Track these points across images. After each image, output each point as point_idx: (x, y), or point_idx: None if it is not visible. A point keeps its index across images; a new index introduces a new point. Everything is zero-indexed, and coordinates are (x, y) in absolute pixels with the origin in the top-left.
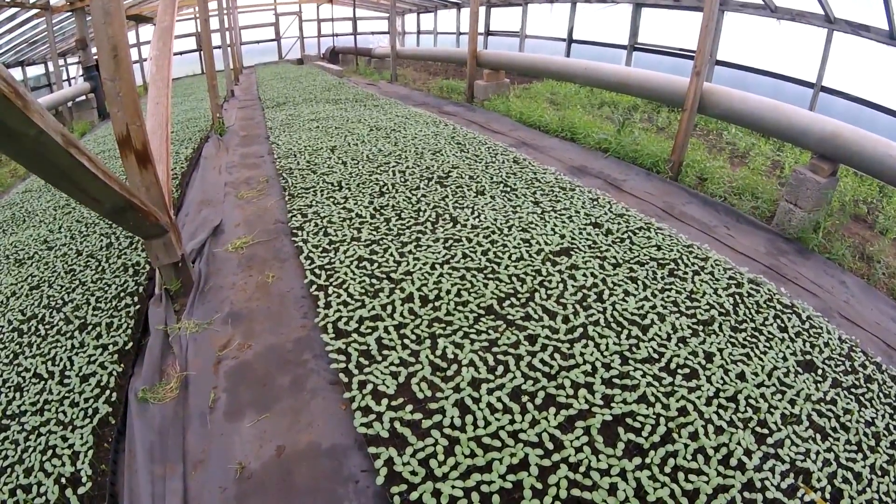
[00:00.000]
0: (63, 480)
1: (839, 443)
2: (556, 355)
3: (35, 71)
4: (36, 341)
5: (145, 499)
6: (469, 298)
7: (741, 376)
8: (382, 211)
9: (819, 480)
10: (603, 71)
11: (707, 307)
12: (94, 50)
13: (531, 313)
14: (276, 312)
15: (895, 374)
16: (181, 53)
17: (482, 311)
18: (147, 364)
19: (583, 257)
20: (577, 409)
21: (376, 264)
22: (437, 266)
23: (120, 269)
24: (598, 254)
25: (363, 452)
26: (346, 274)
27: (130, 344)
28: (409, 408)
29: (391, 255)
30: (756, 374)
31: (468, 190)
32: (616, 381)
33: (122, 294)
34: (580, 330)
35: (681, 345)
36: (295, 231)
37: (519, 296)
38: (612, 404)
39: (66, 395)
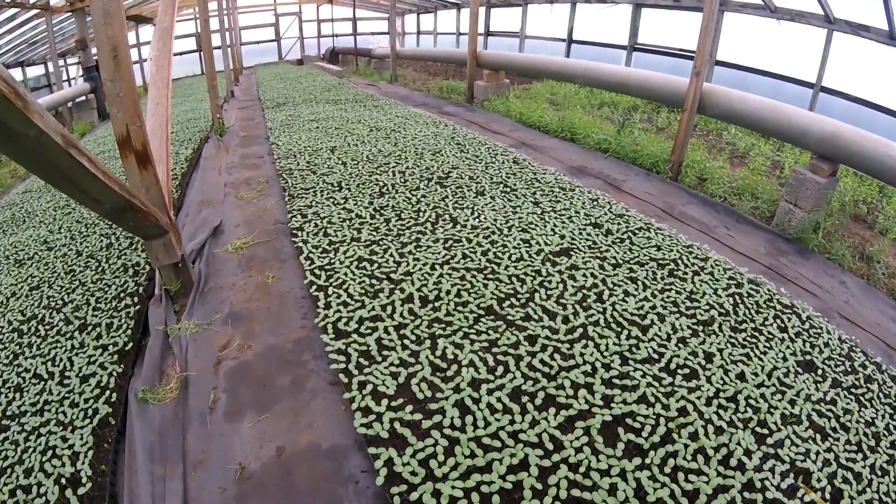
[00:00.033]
0: (63, 481)
1: (839, 443)
2: (556, 356)
3: (35, 71)
4: (36, 342)
5: (145, 499)
6: (469, 299)
7: (741, 376)
8: (382, 211)
9: (819, 480)
10: (603, 71)
11: (707, 307)
12: (94, 50)
13: (531, 314)
14: (275, 313)
15: (895, 374)
16: (181, 54)
17: (482, 312)
18: (147, 364)
19: (583, 258)
20: (577, 410)
21: (376, 265)
22: (437, 266)
23: (120, 269)
24: (597, 254)
25: (363, 453)
26: (345, 274)
27: (130, 344)
28: (409, 408)
29: (391, 255)
30: (756, 375)
31: (468, 190)
32: (616, 381)
33: (122, 294)
34: (580, 330)
35: (681, 345)
36: (295, 231)
37: (519, 296)
38: (612, 405)
39: (66, 395)
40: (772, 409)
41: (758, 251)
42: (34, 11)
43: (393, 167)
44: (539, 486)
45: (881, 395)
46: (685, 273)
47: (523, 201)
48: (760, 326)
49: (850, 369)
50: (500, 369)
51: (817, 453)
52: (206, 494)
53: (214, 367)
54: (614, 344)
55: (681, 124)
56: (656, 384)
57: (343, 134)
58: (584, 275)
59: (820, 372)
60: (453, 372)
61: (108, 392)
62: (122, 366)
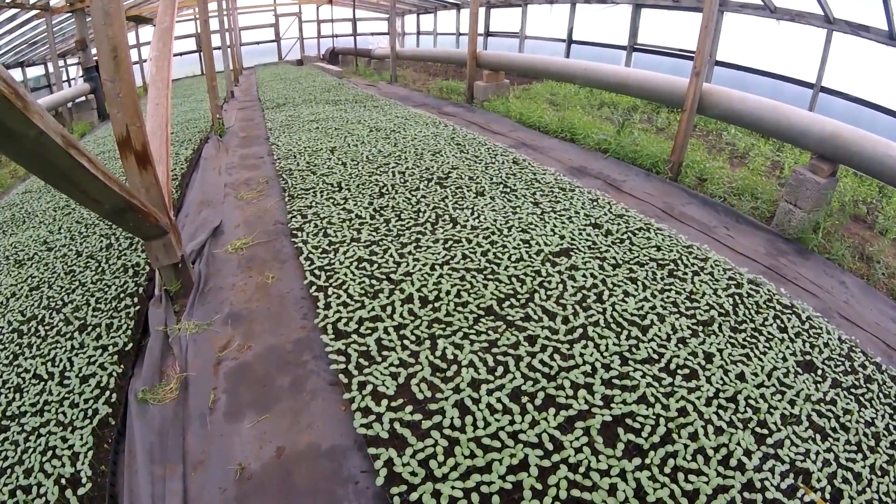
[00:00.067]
0: (63, 481)
1: (839, 443)
2: (556, 356)
3: (35, 72)
4: (36, 342)
5: (145, 499)
6: (469, 299)
7: (741, 377)
8: (382, 212)
9: (819, 481)
10: (602, 71)
11: (707, 308)
12: (93, 51)
13: (531, 314)
14: (275, 313)
15: (895, 374)
16: (181, 54)
17: (482, 312)
18: (147, 365)
19: (582, 258)
20: (577, 410)
21: (376, 265)
22: (437, 267)
23: (120, 270)
24: (597, 254)
25: (363, 453)
26: (345, 275)
27: (130, 345)
28: (409, 408)
29: (391, 255)
30: (756, 375)
31: (468, 191)
32: (616, 381)
33: (121, 295)
34: (580, 331)
35: (680, 345)
36: (295, 232)
37: (518, 296)
38: (612, 405)
39: (66, 395)
40: (772, 410)
41: (758, 251)
42: (34, 12)
43: (393, 167)
44: (539, 487)
45: (881, 395)
46: (685, 273)
47: (523, 202)
48: (760, 327)
49: (849, 369)
50: (500, 370)
51: (817, 453)
52: (205, 495)
53: (214, 368)
54: (614, 344)
55: (680, 124)
56: (656, 384)
57: (343, 134)
58: (583, 275)
59: (820, 372)
60: (453, 372)
61: (107, 392)
62: (121, 366)
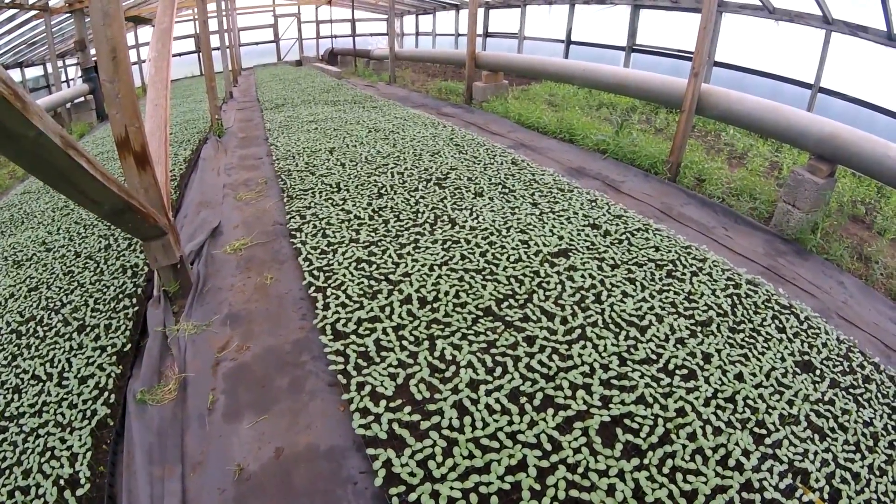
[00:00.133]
0: (62, 482)
1: (837, 443)
2: (555, 356)
3: (34, 72)
4: (34, 343)
5: (144, 500)
6: (467, 300)
7: (739, 377)
8: (381, 212)
9: (817, 481)
10: (601, 72)
11: (705, 308)
12: (92, 51)
13: (529, 314)
14: (274, 314)
15: (893, 374)
16: (180, 55)
17: (480, 313)
18: (145, 366)
19: (581, 258)
20: (576, 411)
21: (375, 266)
22: (436, 267)
23: (118, 270)
24: (596, 255)
25: (362, 454)
26: (344, 275)
27: (129, 346)
28: (408, 409)
29: (389, 256)
30: (754, 375)
31: (466, 191)
32: (614, 382)
33: (120, 296)
34: (578, 331)
35: (679, 346)
36: (293, 233)
37: (517, 297)
38: (611, 405)
39: (65, 396)
40: (770, 410)
41: (756, 252)
42: (33, 12)
43: (391, 168)
44: (537, 487)
45: (879, 395)
46: (683, 274)
47: (522, 202)
48: (759, 327)
49: (848, 369)
50: (499, 370)
51: (815, 453)
52: (204, 495)
53: (213, 369)
54: (612, 345)
55: (679, 125)
56: (654, 385)
57: (342, 135)
58: (582, 276)
59: (818, 372)
60: (452, 373)
61: (106, 393)
62: (120, 367)
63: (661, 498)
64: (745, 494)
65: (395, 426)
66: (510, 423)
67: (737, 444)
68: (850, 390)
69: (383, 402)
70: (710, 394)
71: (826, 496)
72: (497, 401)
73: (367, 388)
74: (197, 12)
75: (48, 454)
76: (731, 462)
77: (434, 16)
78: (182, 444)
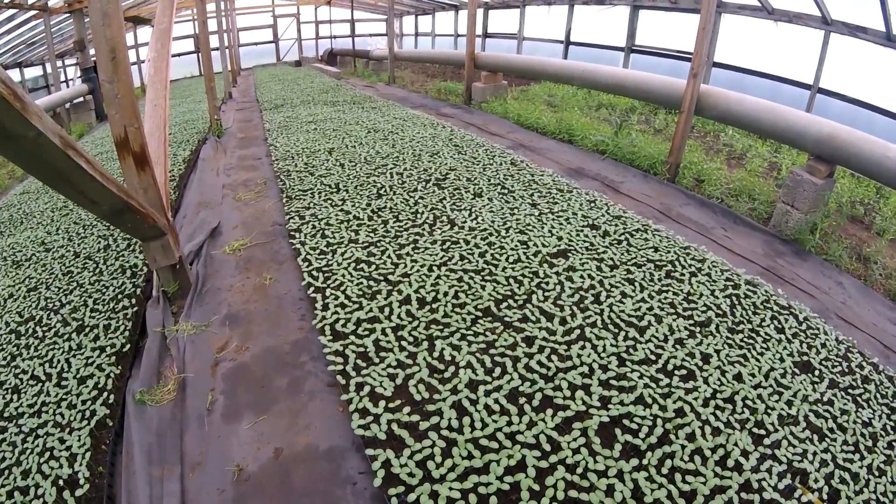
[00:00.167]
0: (61, 482)
1: (836, 443)
2: (554, 357)
3: (33, 72)
4: (33, 343)
5: (143, 500)
6: (466, 300)
7: (738, 377)
8: (380, 213)
9: (816, 481)
10: (600, 73)
11: (704, 308)
12: (92, 51)
13: (528, 315)
14: (273, 314)
15: (892, 374)
16: (179, 55)
17: (479, 313)
18: (145, 366)
19: (580, 259)
20: (575, 411)
21: (374, 266)
22: (435, 268)
23: (117, 271)
24: (595, 255)
25: (361, 454)
26: (343, 276)
27: (128, 346)
28: (407, 409)
29: (388, 257)
30: (753, 376)
31: (466, 192)
32: (613, 382)
33: (119, 296)
34: (577, 332)
35: (678, 346)
36: (292, 233)
37: (516, 298)
38: (610, 406)
39: (64, 397)
40: (769, 410)
41: (755, 252)
42: (32, 12)
43: (391, 169)
44: (536, 488)
45: (878, 395)
46: (682, 274)
47: (521, 203)
48: (758, 327)
49: (847, 370)
50: (498, 371)
51: (814, 454)
52: (203, 496)
53: (212, 369)
54: (611, 345)
55: (678, 126)
56: (653, 385)
57: (341, 135)
58: (581, 276)
59: (817, 373)
60: (451, 373)
61: (105, 394)
62: (119, 367)
63: (661, 498)
64: (744, 495)
65: (395, 427)
66: (509, 423)
67: (736, 444)
68: (849, 391)
69: (382, 403)
70: (709, 394)
71: (825, 496)
72: (496, 401)
73: (367, 389)
74: (196, 12)
75: (47, 454)
76: (730, 462)
77: (433, 16)
78: (181, 444)
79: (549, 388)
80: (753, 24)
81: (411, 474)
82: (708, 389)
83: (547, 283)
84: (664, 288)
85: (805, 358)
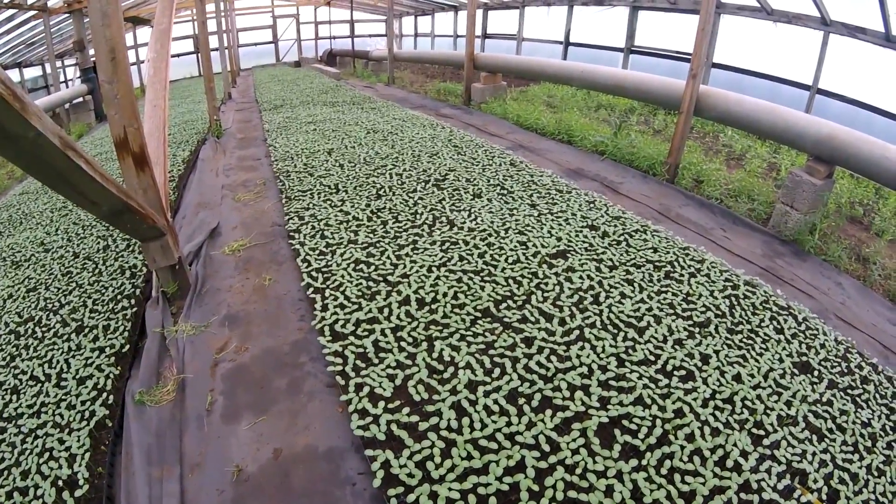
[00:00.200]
0: (60, 483)
1: (835, 444)
2: (553, 357)
3: (32, 72)
4: (33, 344)
5: (142, 501)
6: (466, 301)
7: (737, 378)
8: (379, 214)
9: (816, 481)
10: (599, 74)
11: (703, 309)
12: (91, 52)
13: (528, 316)
14: (273, 315)
15: (891, 375)
16: (178, 55)
17: (479, 314)
18: (144, 367)
19: (579, 260)
20: (574, 412)
21: (373, 267)
22: (434, 269)
23: (117, 271)
24: (594, 256)
25: (360, 455)
26: (342, 276)
27: (127, 347)
28: (406, 410)
29: (388, 257)
30: (752, 376)
31: (465, 193)
32: (612, 383)
33: (118, 297)
34: (576, 332)
35: (677, 347)
36: (292, 234)
37: (515, 298)
38: (609, 406)
39: (63, 397)
40: (768, 411)
41: (754, 253)
42: (32, 12)
43: (390, 169)
44: (536, 488)
45: (877, 395)
46: (681, 275)
47: (520, 203)
48: (757, 328)
49: (846, 370)
50: (497, 371)
51: (814, 454)
52: (203, 496)
53: (211, 370)
54: (611, 346)
55: (677, 127)
56: (653, 386)
57: (340, 136)
58: (580, 277)
59: (816, 373)
60: (450, 374)
61: (104, 394)
62: (118, 368)
63: (660, 499)
64: (743, 495)
65: (394, 427)
66: (508, 424)
67: (735, 444)
68: (849, 391)
69: (382, 404)
70: (709, 395)
71: (824, 497)
72: (495, 402)
73: (366, 390)
74: (196, 13)
75: (47, 455)
76: (730, 463)
77: (433, 17)
78: (180, 445)
79: (549, 388)
80: (752, 24)
81: (410, 475)
82: (707, 390)
83: (546, 284)
84: (663, 289)
85: (804, 358)
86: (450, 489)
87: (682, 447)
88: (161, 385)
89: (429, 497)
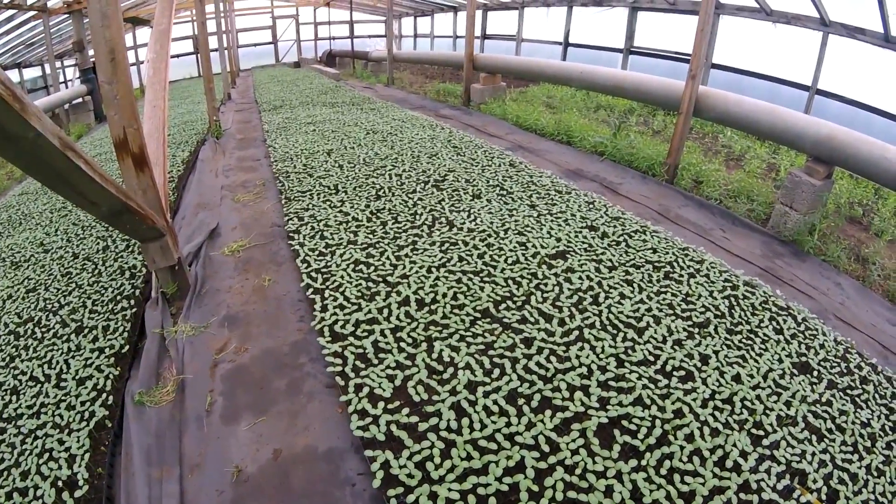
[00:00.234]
0: (60, 483)
1: (835, 444)
2: (552, 358)
3: (32, 73)
4: (32, 344)
5: (142, 502)
6: (465, 302)
7: (737, 378)
8: (379, 214)
9: (815, 482)
10: (599, 74)
11: (703, 310)
12: (91, 52)
13: (527, 316)
14: (272, 316)
15: (890, 375)
16: (178, 56)
17: (478, 315)
18: (143, 367)
19: (579, 260)
20: (573, 412)
21: (372, 267)
22: (434, 269)
23: (116, 272)
24: (593, 257)
25: (360, 455)
26: (342, 277)
27: (127, 347)
28: (406, 411)
29: (387, 258)
30: (752, 376)
31: (464, 193)
32: (612, 383)
33: (118, 297)
34: (576, 333)
35: (676, 347)
36: (291, 234)
37: (515, 299)
38: (608, 407)
39: (63, 398)
40: (768, 411)
41: (753, 253)
42: (31, 13)
43: (389, 170)
44: (535, 489)
45: (877, 396)
46: (681, 275)
47: (519, 204)
48: (756, 328)
49: (845, 371)
50: (497, 372)
51: (813, 454)
52: (202, 497)
53: (211, 370)
54: (610, 346)
55: (677, 127)
56: (652, 386)
57: (340, 137)
58: (580, 277)
59: (816, 373)
60: (450, 374)
61: (104, 395)
62: (118, 368)
63: (659, 499)
64: (742, 495)
65: (394, 428)
66: (508, 424)
67: (734, 445)
68: (848, 391)
69: (381, 404)
70: (708, 395)
71: (824, 497)
72: (495, 402)
73: (366, 390)
74: (195, 13)
75: (46, 456)
76: (729, 463)
77: (432, 17)
78: (180, 445)
79: (548, 389)
80: (752, 25)
81: (410, 475)
82: (706, 390)
83: (546, 285)
84: (663, 289)
85: (804, 359)
86: (449, 490)
87: (682, 447)
88: (161, 386)
89: (428, 497)
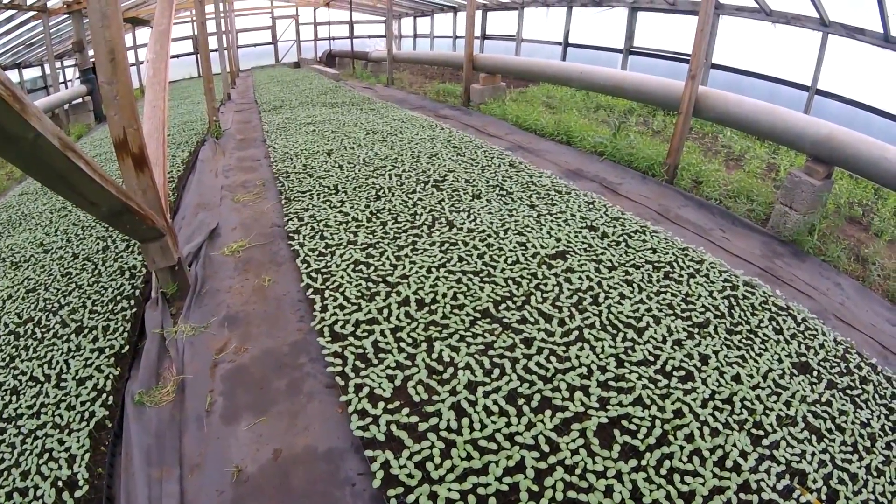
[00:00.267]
0: (60, 483)
1: (835, 444)
2: (552, 358)
3: (32, 73)
4: (32, 344)
5: (142, 502)
6: (465, 302)
7: (737, 378)
8: (379, 214)
9: (815, 482)
10: (598, 75)
11: (702, 310)
12: (91, 53)
13: (527, 316)
14: (272, 316)
15: (890, 375)
16: (178, 56)
17: (478, 315)
18: (143, 367)
19: (578, 260)
20: (573, 412)
21: (372, 268)
22: (434, 269)
23: (116, 272)
24: (593, 257)
25: (360, 455)
26: (342, 277)
27: (127, 347)
28: (406, 411)
29: (387, 258)
30: (751, 376)
31: (464, 193)
32: (612, 383)
33: (118, 297)
34: (576, 333)
35: (676, 347)
36: (291, 235)
37: (515, 299)
38: (608, 407)
39: (63, 398)
40: (767, 411)
41: (753, 253)
42: (31, 13)
43: (389, 170)
44: (535, 489)
45: (876, 396)
46: (681, 276)
47: (519, 204)
48: (756, 328)
49: (845, 371)
50: (497, 372)
51: (813, 454)
52: (202, 497)
53: (211, 370)
54: (610, 346)
55: (676, 127)
56: (652, 386)
57: (339, 137)
58: (579, 278)
59: (815, 373)
60: (449, 374)
61: (104, 395)
62: (118, 369)
63: (659, 499)
64: (742, 495)
65: (394, 428)
66: (508, 424)
67: (734, 445)
68: (848, 391)
69: (381, 404)
70: (708, 395)
71: (824, 497)
72: (495, 402)
73: (366, 390)
74: (195, 14)
75: (46, 456)
76: (729, 463)
77: (432, 18)
78: (180, 445)
79: (548, 389)
80: (751, 25)
81: (410, 475)
82: (706, 390)
83: (545, 285)
84: (662, 289)
85: (803, 359)
86: (449, 490)
87: (682, 447)
88: (161, 386)
89: (428, 497)
